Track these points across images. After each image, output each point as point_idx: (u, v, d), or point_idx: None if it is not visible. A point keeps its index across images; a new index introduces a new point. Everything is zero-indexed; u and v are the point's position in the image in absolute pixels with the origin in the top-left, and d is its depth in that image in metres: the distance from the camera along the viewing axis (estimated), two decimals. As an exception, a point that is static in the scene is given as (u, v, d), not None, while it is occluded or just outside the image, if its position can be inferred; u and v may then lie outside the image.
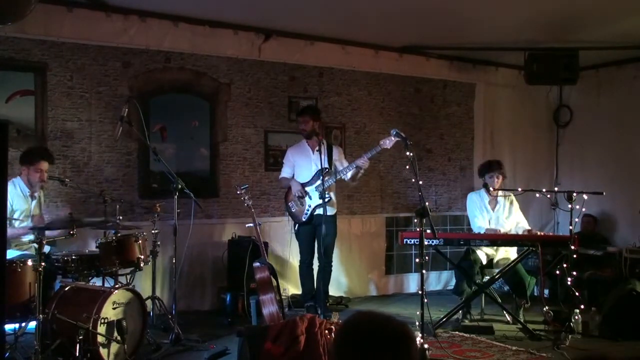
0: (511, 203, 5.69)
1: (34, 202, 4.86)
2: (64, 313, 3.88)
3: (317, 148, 5.54)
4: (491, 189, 5.55)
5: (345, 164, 5.69)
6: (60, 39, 5.40)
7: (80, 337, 3.74)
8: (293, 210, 5.64)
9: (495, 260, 5.60)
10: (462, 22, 5.92)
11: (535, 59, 6.71)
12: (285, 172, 5.77)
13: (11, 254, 4.40)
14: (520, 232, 5.49)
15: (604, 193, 5.23)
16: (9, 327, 4.02)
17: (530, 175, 7.78)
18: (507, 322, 5.45)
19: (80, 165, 5.53)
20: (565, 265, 5.19)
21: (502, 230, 5.51)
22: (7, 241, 4.04)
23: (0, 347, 2.13)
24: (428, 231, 4.26)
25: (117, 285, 4.46)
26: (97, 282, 4.76)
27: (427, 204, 4.14)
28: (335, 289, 6.29)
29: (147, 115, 5.53)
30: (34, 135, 5.35)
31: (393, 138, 5.12)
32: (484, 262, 5.50)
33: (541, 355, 4.51)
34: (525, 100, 7.83)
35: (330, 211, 5.51)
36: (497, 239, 5.33)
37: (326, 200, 5.33)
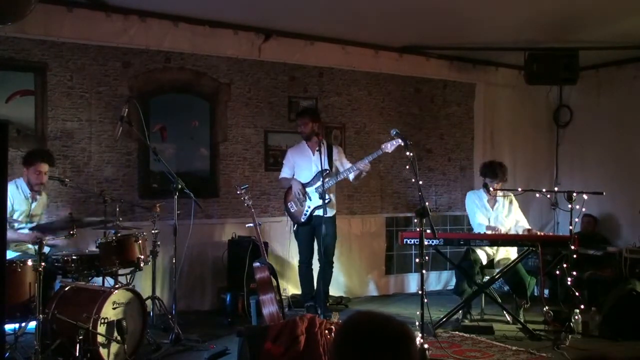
0: (510, 202, 5.69)
1: (35, 203, 4.86)
2: (64, 313, 3.88)
3: (317, 149, 5.54)
4: (491, 189, 5.55)
5: (346, 163, 5.68)
6: (60, 39, 5.40)
7: (80, 337, 3.74)
8: (292, 211, 5.64)
9: (495, 260, 5.60)
10: (462, 22, 5.92)
11: (535, 59, 6.71)
12: (285, 173, 5.77)
13: (9, 254, 4.40)
14: (520, 231, 5.50)
15: (604, 193, 5.22)
16: (9, 327, 4.03)
17: (530, 175, 7.78)
18: (507, 322, 5.45)
19: (80, 165, 5.53)
20: (565, 265, 5.19)
21: (502, 229, 5.52)
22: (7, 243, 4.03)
23: (0, 347, 2.13)
24: (428, 231, 4.26)
25: (117, 285, 4.46)
26: (97, 282, 4.76)
27: (427, 204, 4.14)
28: (335, 289, 6.29)
29: (147, 115, 5.53)
30: (34, 135, 5.35)
31: (394, 142, 5.12)
32: (484, 262, 5.50)
33: (541, 355, 4.51)
34: (525, 100, 7.83)
35: (330, 212, 5.50)
36: (497, 239, 5.33)
37: (326, 201, 5.33)
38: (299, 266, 5.80)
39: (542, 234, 5.51)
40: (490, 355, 4.51)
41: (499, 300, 5.61)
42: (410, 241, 5.21)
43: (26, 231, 4.67)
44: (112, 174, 5.66)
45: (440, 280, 7.32)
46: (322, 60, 6.65)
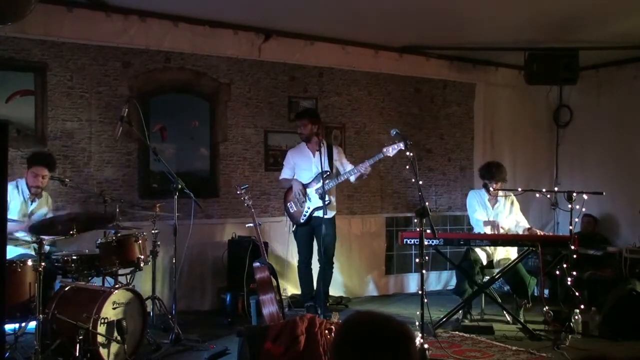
0: (512, 203, 5.69)
1: (34, 204, 4.85)
2: (64, 313, 3.88)
3: (317, 150, 5.53)
4: (491, 189, 5.56)
5: (346, 164, 5.69)
6: (60, 39, 5.40)
7: (80, 337, 3.74)
8: (292, 211, 5.64)
9: (495, 261, 5.60)
10: (462, 22, 5.92)
11: (535, 59, 6.70)
12: (285, 174, 5.76)
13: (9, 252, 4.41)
14: (520, 232, 5.50)
15: (604, 193, 5.23)
16: (9, 327, 4.03)
17: (530, 175, 7.78)
18: (507, 322, 5.45)
19: (80, 165, 5.53)
20: (565, 265, 5.19)
21: (502, 226, 5.52)
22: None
23: (0, 347, 2.13)
24: (428, 231, 4.26)
25: (117, 285, 4.45)
26: (97, 282, 4.76)
27: (427, 204, 4.15)
28: (335, 289, 6.29)
29: (147, 115, 5.53)
30: (34, 135, 5.35)
31: (396, 146, 5.12)
32: (484, 262, 5.50)
33: (541, 355, 4.51)
34: (525, 100, 7.83)
35: (330, 214, 5.50)
36: (497, 239, 5.33)
37: (326, 202, 5.32)
38: (298, 266, 5.79)
39: (542, 233, 5.51)
40: (490, 355, 4.51)
41: (499, 300, 5.61)
42: (410, 241, 5.21)
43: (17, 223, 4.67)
44: (112, 174, 5.66)
45: (440, 280, 7.32)
46: (322, 60, 6.65)
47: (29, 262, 4.01)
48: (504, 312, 5.47)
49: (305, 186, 5.56)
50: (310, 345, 3.75)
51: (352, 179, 5.57)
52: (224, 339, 4.77)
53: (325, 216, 5.30)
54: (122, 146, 5.69)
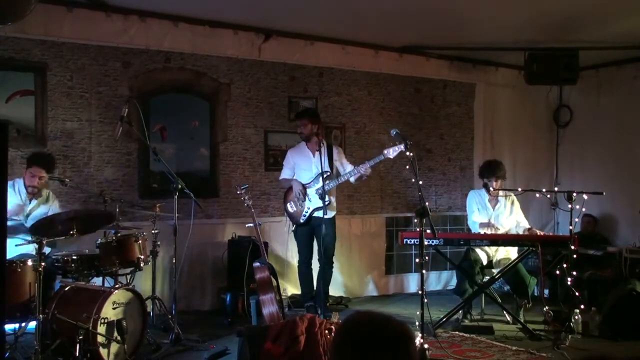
0: (512, 203, 5.69)
1: (31, 204, 4.84)
2: (64, 313, 3.88)
3: (317, 150, 5.53)
4: (491, 188, 5.56)
5: (346, 163, 5.69)
6: (60, 39, 5.40)
7: (80, 337, 3.74)
8: (291, 211, 5.64)
9: (495, 260, 5.60)
10: (462, 22, 5.92)
11: (535, 59, 6.70)
12: (285, 174, 5.76)
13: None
14: (520, 232, 5.50)
15: (604, 193, 5.23)
16: (9, 327, 4.03)
17: (530, 175, 7.78)
18: (507, 322, 5.45)
19: (80, 165, 5.53)
20: (565, 265, 5.19)
21: (500, 228, 5.52)
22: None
23: (0, 347, 2.13)
24: (428, 231, 4.26)
25: (117, 285, 4.46)
26: (97, 282, 4.76)
27: (427, 204, 4.15)
28: (335, 289, 6.29)
29: (147, 115, 5.53)
30: (34, 135, 5.35)
31: (397, 148, 5.11)
32: (484, 262, 5.50)
33: (541, 355, 4.51)
34: (525, 100, 7.83)
35: (329, 214, 5.49)
36: (497, 239, 5.33)
37: (326, 203, 5.32)
38: (298, 266, 5.79)
39: (542, 233, 5.51)
40: (490, 355, 4.51)
41: (499, 300, 5.61)
42: (410, 241, 5.21)
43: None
44: (112, 174, 5.66)
45: (440, 280, 7.32)
46: (322, 60, 6.65)
47: (29, 262, 4.01)
48: (504, 312, 5.47)
49: (305, 186, 5.56)
50: (310, 345, 3.75)
51: (352, 179, 5.57)
52: (224, 339, 4.77)
53: (325, 216, 5.30)
54: (122, 146, 5.69)
